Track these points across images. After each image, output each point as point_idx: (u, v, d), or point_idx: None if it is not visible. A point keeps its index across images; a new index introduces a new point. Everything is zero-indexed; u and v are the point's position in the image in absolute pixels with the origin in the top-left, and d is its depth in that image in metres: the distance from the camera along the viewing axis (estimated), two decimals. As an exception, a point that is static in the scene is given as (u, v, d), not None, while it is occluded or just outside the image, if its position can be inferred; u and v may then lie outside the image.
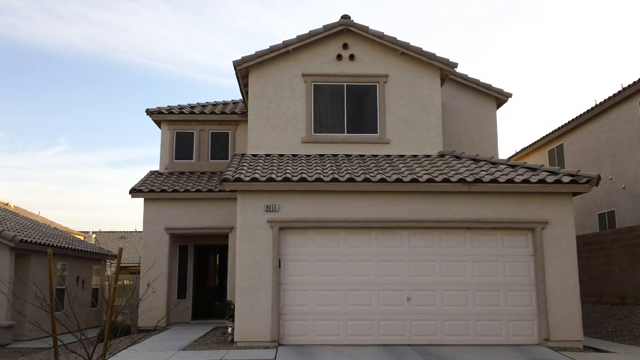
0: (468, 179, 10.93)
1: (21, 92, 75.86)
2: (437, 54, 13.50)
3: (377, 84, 13.66)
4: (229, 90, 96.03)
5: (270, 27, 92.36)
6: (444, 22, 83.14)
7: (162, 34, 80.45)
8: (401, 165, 12.09)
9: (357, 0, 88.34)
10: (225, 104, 17.54)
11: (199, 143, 16.42)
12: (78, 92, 79.03)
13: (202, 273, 19.38)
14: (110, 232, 46.46)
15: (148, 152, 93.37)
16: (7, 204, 26.28)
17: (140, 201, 15.16)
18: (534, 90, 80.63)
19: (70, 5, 69.54)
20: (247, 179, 10.91)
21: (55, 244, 17.16)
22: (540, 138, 21.96)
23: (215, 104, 17.36)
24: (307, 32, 13.53)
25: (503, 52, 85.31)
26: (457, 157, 12.94)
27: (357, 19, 14.24)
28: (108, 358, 6.30)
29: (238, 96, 17.87)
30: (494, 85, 16.48)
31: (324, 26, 13.54)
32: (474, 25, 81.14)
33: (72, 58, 77.09)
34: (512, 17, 78.47)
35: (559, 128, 20.54)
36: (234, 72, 13.77)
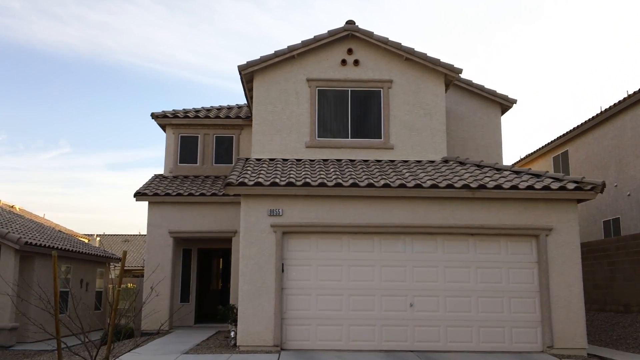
0: (472, 185, 10.92)
1: (20, 94, 76.36)
2: (441, 60, 13.52)
3: (382, 89, 13.68)
4: (226, 92, 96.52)
5: (266, 29, 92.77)
6: (444, 22, 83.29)
7: (158, 36, 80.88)
8: (405, 171, 12.09)
9: (354, 1, 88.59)
10: (229, 108, 17.61)
11: (203, 147, 16.47)
12: (77, 94, 79.59)
13: (206, 277, 19.41)
14: (114, 235, 46.58)
15: (149, 154, 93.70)
16: (12, 206, 26.39)
17: (144, 204, 15.21)
18: (535, 90, 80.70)
19: (67, 6, 70.05)
20: (251, 183, 10.94)
21: (59, 247, 17.22)
22: (545, 144, 21.92)
23: (219, 108, 17.42)
24: (312, 37, 13.59)
25: (503, 53, 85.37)
26: (461, 163, 12.93)
27: (355, 18, 14.31)
28: (111, 361, 6.32)
29: (235, 98, 18.09)
30: (498, 91, 16.48)
31: (328, 31, 13.59)
32: (475, 26, 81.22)
33: (70, 59, 77.61)
34: (513, 18, 78.54)
35: (563, 134, 20.50)
36: (231, 74, 14.14)
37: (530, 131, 70.97)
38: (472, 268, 11.09)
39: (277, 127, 13.51)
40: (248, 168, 12.19)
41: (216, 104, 18.09)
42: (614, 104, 17.40)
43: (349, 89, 13.74)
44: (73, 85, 79.40)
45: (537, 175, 11.67)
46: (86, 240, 30.01)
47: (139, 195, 14.89)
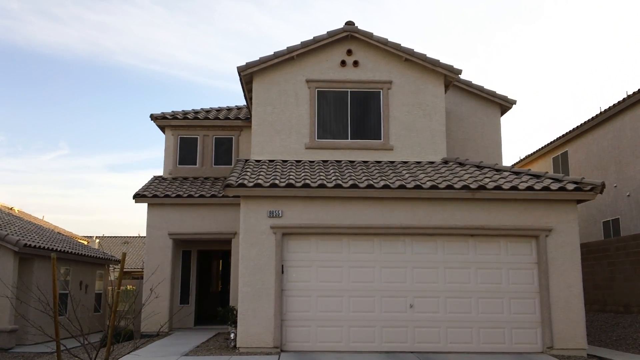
0: (472, 186, 10.91)
1: (19, 95, 76.31)
2: (441, 60, 13.51)
3: (381, 90, 13.68)
4: (226, 92, 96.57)
5: (266, 29, 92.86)
6: (444, 22, 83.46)
7: (158, 36, 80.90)
8: (404, 172, 12.08)
9: (353, 1, 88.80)
10: (229, 109, 17.61)
11: (202, 148, 16.46)
12: (76, 95, 79.46)
13: (205, 278, 19.39)
14: (113, 237, 46.53)
15: (149, 155, 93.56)
16: (11, 208, 26.38)
17: (143, 206, 15.20)
18: (535, 91, 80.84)
19: (66, 7, 70.11)
20: (251, 184, 10.93)
21: (59, 249, 17.19)
22: (545, 145, 21.93)
23: (219, 110, 17.42)
24: (312, 38, 13.58)
25: (503, 53, 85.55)
26: (461, 164, 12.93)
27: (354, 19, 14.35)
28: (110, 363, 6.30)
29: (235, 98, 18.09)
30: (498, 91, 16.50)
31: (328, 32, 13.58)
32: (475, 26, 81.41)
33: (70, 60, 77.51)
34: (513, 18, 78.73)
35: (563, 135, 20.50)
36: (231, 75, 14.16)
37: (530, 131, 71.08)
38: (472, 269, 11.08)
39: (277, 128, 13.50)
40: (247, 169, 12.18)
41: (216, 105, 18.08)
42: (614, 104, 17.41)
43: (349, 90, 13.73)
44: (72, 87, 79.45)
45: (536, 176, 11.67)
46: (85, 242, 29.99)
47: (139, 196, 14.87)
